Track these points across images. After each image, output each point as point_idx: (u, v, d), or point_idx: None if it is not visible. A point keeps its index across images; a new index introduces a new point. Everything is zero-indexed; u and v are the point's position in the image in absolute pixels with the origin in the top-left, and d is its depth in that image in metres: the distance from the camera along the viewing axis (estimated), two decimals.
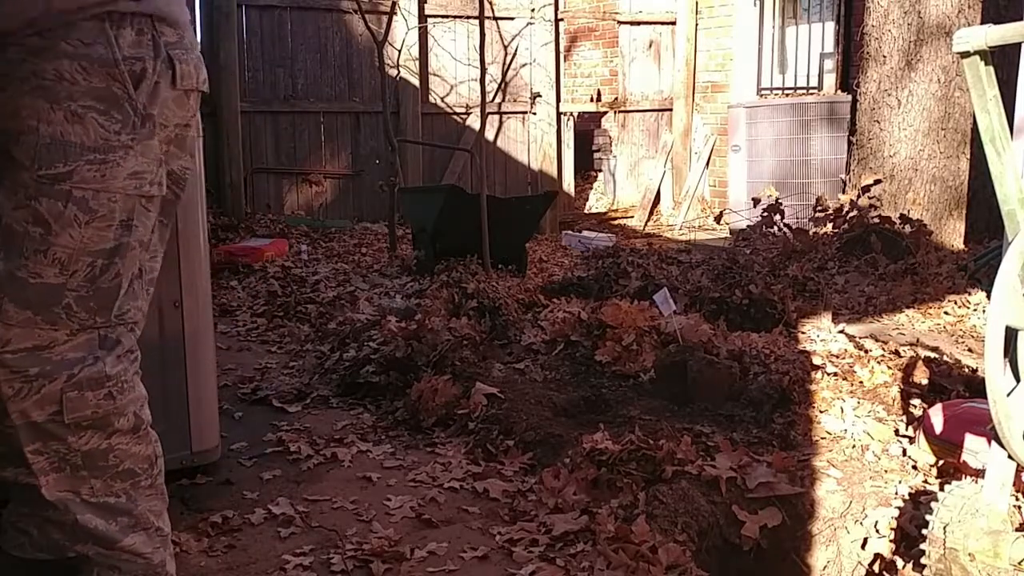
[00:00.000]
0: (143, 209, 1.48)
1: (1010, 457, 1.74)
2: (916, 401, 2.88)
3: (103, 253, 1.43)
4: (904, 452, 2.56)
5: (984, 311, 4.17)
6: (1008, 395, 1.69)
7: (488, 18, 7.19)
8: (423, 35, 7.94)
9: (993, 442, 1.77)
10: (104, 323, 1.46)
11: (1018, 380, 1.70)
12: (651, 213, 9.11)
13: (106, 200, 1.41)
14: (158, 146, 1.49)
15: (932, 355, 3.35)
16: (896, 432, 2.69)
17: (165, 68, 1.46)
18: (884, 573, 2.12)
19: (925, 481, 2.37)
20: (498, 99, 8.32)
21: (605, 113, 9.65)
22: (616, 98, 9.29)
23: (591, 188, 10.22)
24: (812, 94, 8.01)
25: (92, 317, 1.44)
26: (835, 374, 3.11)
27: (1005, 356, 1.69)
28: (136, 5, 1.42)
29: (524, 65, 8.54)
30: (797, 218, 6.27)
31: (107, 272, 1.44)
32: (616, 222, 9.11)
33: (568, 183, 8.98)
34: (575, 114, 9.02)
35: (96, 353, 1.44)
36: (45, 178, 1.36)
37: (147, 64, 1.43)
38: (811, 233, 5.72)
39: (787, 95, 8.16)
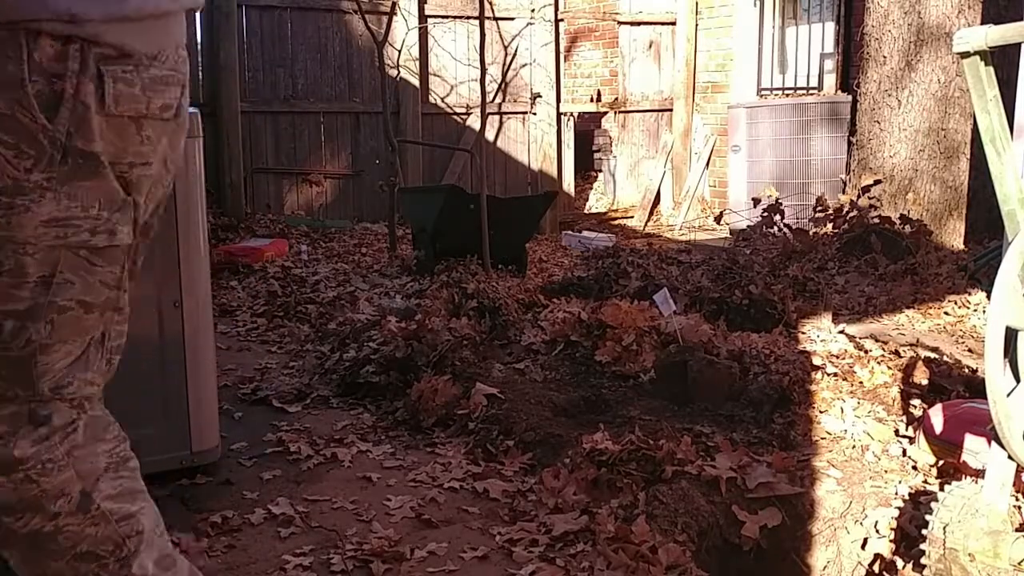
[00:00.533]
0: (81, 262, 1.23)
1: (1010, 457, 1.74)
2: (916, 401, 2.89)
3: (13, 315, 1.19)
4: (904, 452, 2.56)
5: (984, 311, 4.17)
6: (1008, 395, 1.69)
7: (488, 18, 7.18)
8: (423, 35, 7.94)
9: (993, 442, 1.77)
10: (30, 396, 1.23)
11: (1018, 380, 1.70)
12: (651, 213, 9.11)
13: (11, 252, 1.17)
14: (113, 186, 1.23)
15: (932, 355, 3.35)
16: (896, 432, 2.69)
17: (96, 88, 1.18)
18: (884, 573, 2.13)
19: (925, 481, 2.37)
20: (498, 99, 8.32)
21: (605, 113, 9.65)
22: (616, 98, 9.29)
23: (591, 188, 10.22)
24: (812, 94, 8.01)
25: (11, 388, 1.22)
26: (835, 374, 3.11)
27: (1005, 356, 1.70)
28: (69, 28, 1.15)
29: (524, 65, 8.54)
30: (797, 218, 6.27)
31: (17, 337, 1.20)
32: (616, 222, 9.11)
33: (568, 183, 8.98)
34: (575, 114, 9.02)
35: (20, 431, 1.23)
36: None
37: (67, 83, 1.15)
38: (811, 233, 5.72)
39: (787, 95, 8.16)
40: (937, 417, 2.48)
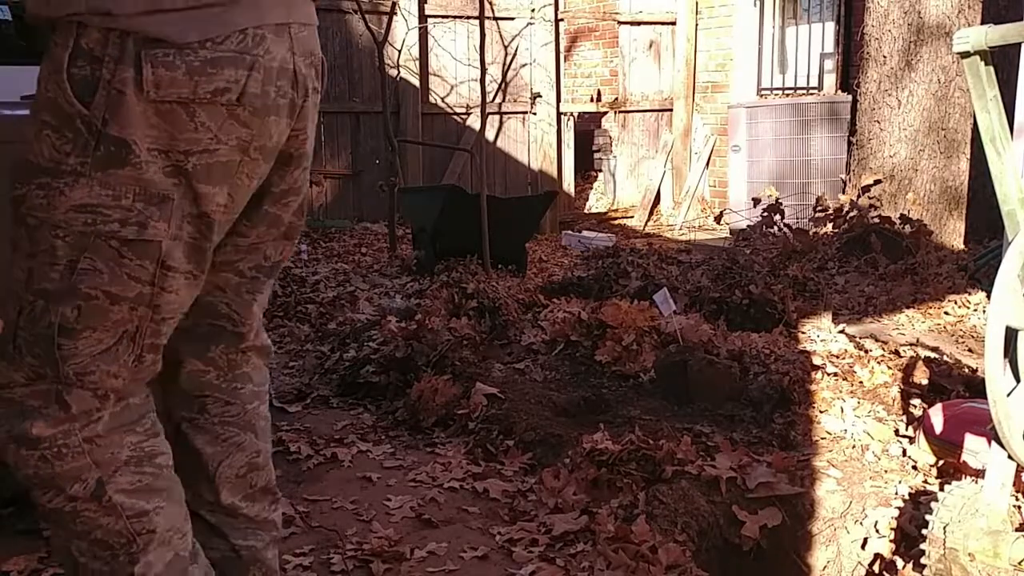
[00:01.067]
0: (112, 253, 1.23)
1: (1010, 457, 1.74)
2: (916, 401, 2.89)
3: (42, 294, 1.24)
4: (904, 452, 2.56)
5: (984, 311, 4.17)
6: (1008, 395, 1.69)
7: (488, 18, 7.18)
8: (423, 35, 7.94)
9: (993, 442, 1.77)
10: (55, 377, 1.25)
11: (1018, 380, 1.70)
12: (651, 213, 9.11)
13: (47, 233, 1.21)
14: (150, 178, 1.22)
15: (932, 355, 3.35)
16: (896, 432, 2.69)
17: (134, 73, 1.18)
18: (884, 573, 2.13)
19: (925, 481, 2.38)
20: (498, 99, 8.32)
21: (605, 113, 9.64)
22: (616, 98, 9.29)
23: (591, 188, 10.22)
24: (812, 94, 8.01)
25: (42, 367, 1.25)
26: (835, 374, 3.11)
27: (1005, 356, 1.70)
28: (107, 21, 1.18)
29: (524, 65, 8.54)
30: (797, 218, 6.27)
31: (43, 318, 1.24)
32: (616, 222, 9.11)
33: (568, 183, 8.98)
34: (575, 114, 9.01)
35: (47, 409, 1.26)
36: (11, 200, 1.24)
37: (105, 69, 1.18)
38: (811, 233, 5.72)
39: (787, 95, 8.16)
40: (937, 417, 2.48)
